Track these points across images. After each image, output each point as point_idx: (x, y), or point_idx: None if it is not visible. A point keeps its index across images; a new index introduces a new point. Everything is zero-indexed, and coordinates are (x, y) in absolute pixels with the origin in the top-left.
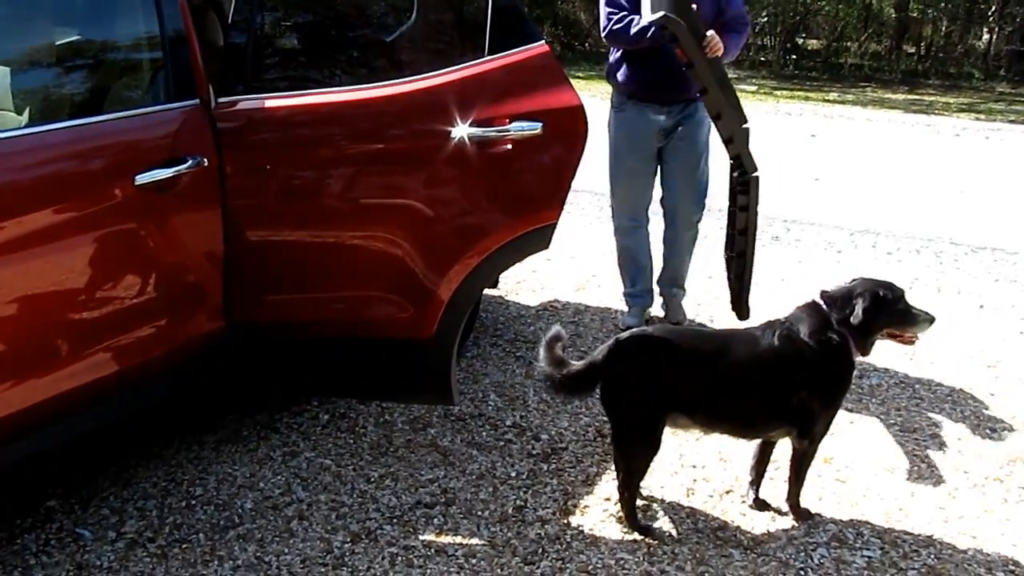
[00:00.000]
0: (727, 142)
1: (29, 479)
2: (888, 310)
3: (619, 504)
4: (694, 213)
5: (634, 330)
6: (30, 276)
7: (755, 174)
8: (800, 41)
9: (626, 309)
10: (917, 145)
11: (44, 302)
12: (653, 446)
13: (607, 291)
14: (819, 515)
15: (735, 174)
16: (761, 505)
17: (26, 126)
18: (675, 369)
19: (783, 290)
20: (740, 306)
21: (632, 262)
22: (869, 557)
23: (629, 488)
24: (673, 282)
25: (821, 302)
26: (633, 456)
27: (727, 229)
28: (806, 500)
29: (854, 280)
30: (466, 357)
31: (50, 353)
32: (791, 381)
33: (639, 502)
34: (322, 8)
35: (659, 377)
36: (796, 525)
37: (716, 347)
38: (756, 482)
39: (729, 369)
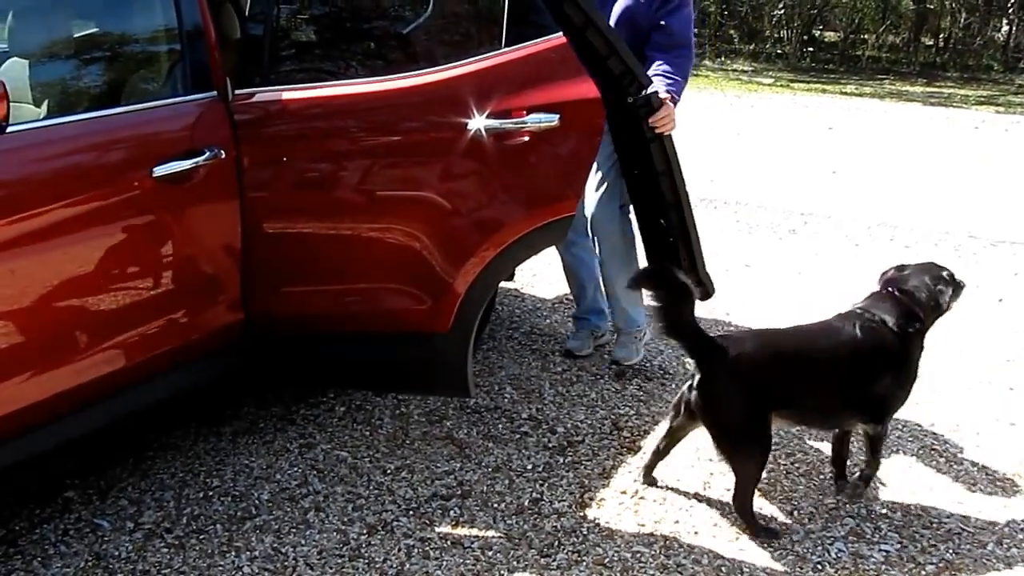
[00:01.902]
0: (606, 56)
1: (48, 470)
2: (956, 292)
3: (738, 514)
4: (611, 222)
5: (728, 333)
6: (48, 268)
7: (653, 91)
8: (817, 33)
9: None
10: (935, 138)
11: (61, 294)
12: (768, 447)
13: None
14: (836, 509)
15: (630, 99)
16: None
17: (44, 118)
18: (779, 367)
19: (800, 283)
20: (703, 288)
21: (572, 280)
22: (887, 551)
23: (746, 496)
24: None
25: (896, 291)
26: (749, 462)
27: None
28: (821, 495)
29: (906, 268)
30: (482, 349)
31: (67, 345)
32: (877, 370)
33: (656, 494)
34: (338, 0)
35: (766, 376)
36: (813, 519)
37: (809, 341)
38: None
39: (824, 362)
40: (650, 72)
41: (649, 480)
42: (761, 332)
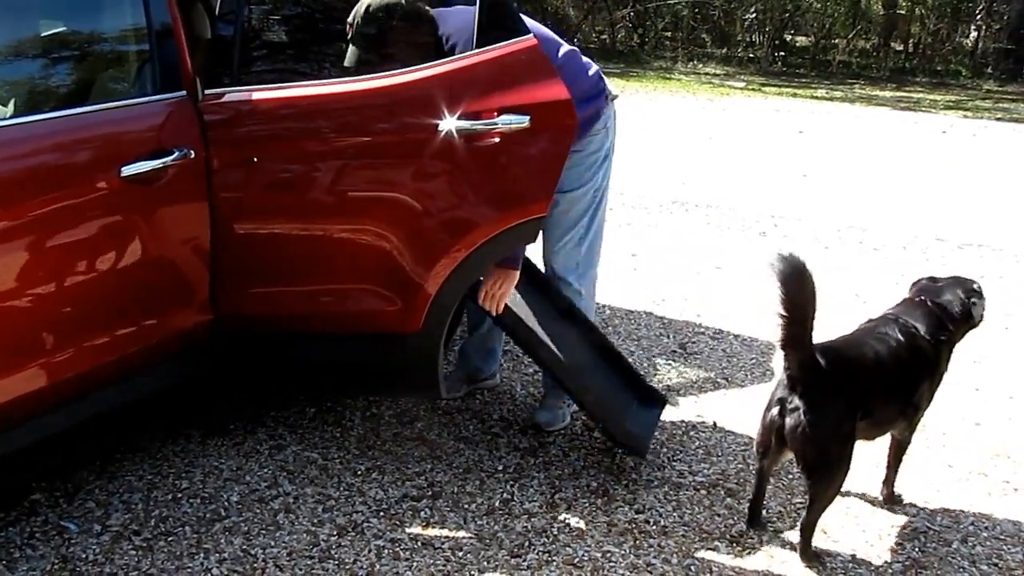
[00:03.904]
0: None
1: (12, 472)
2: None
3: (805, 531)
4: (563, 279)
5: (818, 345)
6: (15, 267)
7: None
8: (788, 38)
9: None
10: (904, 142)
11: (27, 294)
12: (849, 463)
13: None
14: (804, 509)
15: None
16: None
17: (11, 117)
18: (865, 379)
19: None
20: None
21: (469, 313)
22: (854, 550)
23: (819, 516)
24: None
25: (929, 301)
26: (836, 483)
27: None
28: (790, 495)
29: (941, 281)
30: (453, 351)
31: (32, 346)
32: (921, 377)
33: (626, 494)
34: (310, 1)
35: (858, 391)
36: (782, 518)
37: (877, 351)
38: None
39: (893, 371)
40: None
41: (759, 525)
42: (836, 345)
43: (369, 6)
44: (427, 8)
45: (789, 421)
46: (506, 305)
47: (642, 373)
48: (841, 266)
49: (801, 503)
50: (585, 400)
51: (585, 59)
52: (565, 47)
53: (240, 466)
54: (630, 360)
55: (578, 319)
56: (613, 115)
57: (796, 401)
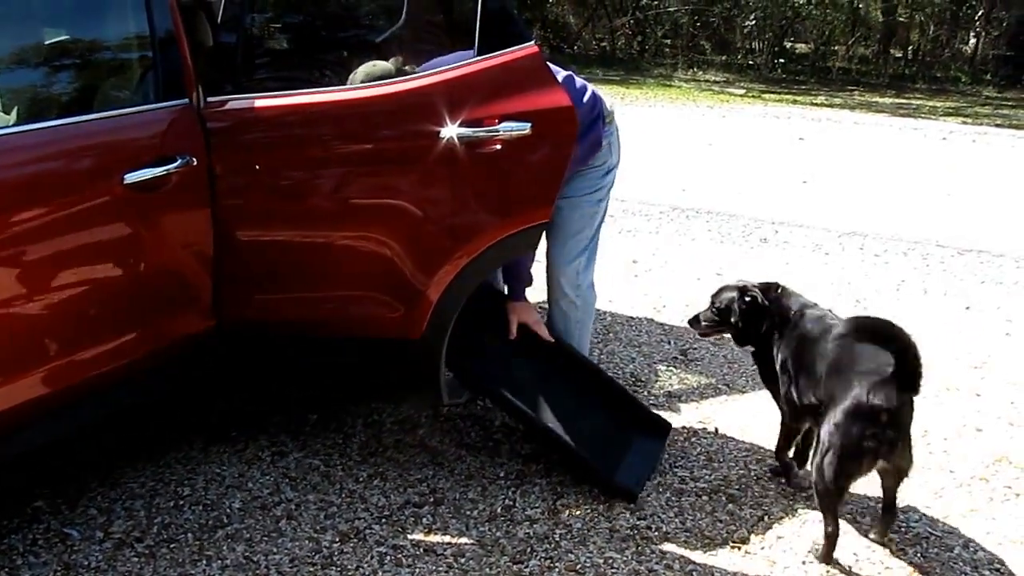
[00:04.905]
0: None
1: (13, 478)
2: None
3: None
4: (559, 288)
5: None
6: (18, 274)
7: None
8: (788, 45)
9: None
10: (904, 148)
11: (31, 301)
12: None
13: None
14: (806, 513)
15: None
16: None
17: (14, 125)
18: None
19: None
20: None
21: None
22: (855, 555)
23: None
24: None
25: None
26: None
27: None
28: (791, 501)
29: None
30: None
31: (37, 353)
32: None
33: (629, 504)
34: (311, 9)
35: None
36: (782, 524)
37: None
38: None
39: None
40: None
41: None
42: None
43: (363, 81)
44: (416, 69)
45: (890, 435)
46: (482, 367)
47: (644, 379)
48: (842, 273)
49: (803, 508)
50: (568, 451)
51: (580, 82)
52: (561, 74)
53: (242, 473)
54: (632, 367)
55: (563, 357)
56: (616, 131)
57: (889, 432)
